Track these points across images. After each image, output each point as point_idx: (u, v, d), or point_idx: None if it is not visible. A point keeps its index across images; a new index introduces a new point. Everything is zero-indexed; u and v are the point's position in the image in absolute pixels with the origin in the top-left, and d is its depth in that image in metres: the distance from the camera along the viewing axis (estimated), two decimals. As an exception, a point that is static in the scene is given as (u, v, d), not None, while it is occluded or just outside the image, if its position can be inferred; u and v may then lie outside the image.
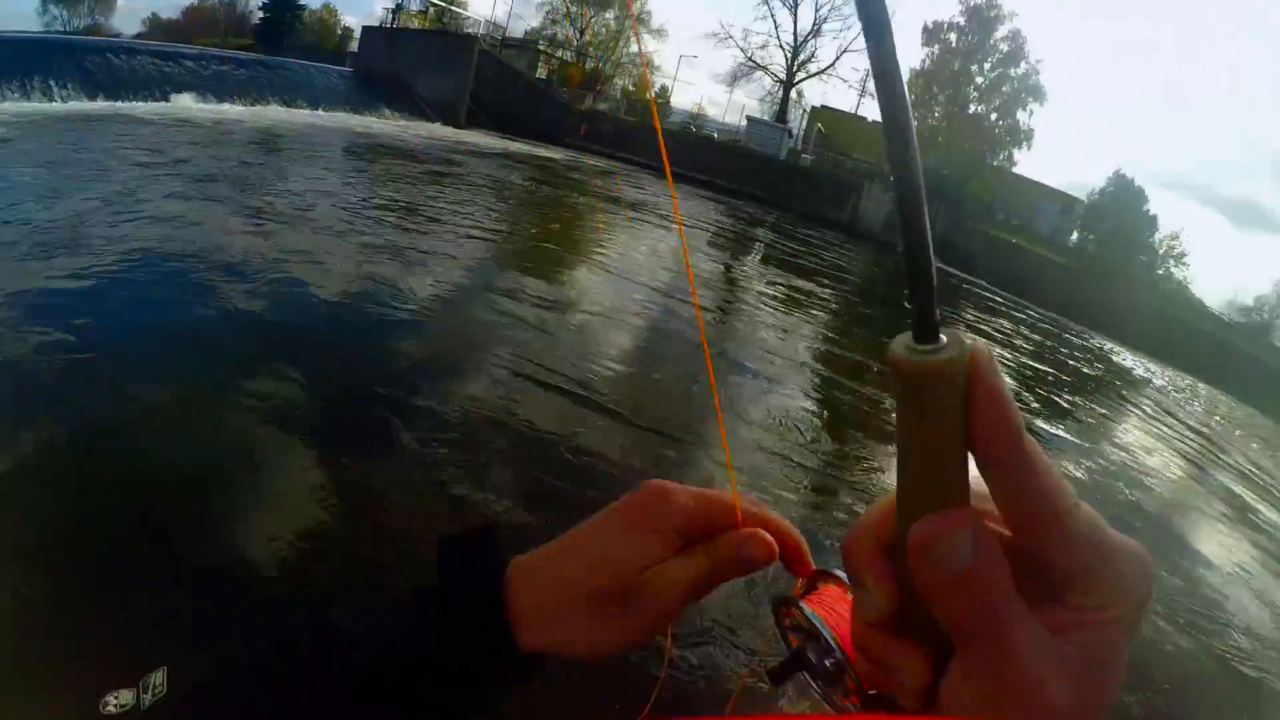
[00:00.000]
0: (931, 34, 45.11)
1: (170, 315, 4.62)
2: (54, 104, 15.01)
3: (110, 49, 19.46)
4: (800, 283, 10.97)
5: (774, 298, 9.41)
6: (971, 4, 43.58)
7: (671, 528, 0.44)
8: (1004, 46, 43.41)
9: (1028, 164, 48.26)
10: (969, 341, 0.29)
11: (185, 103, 17.85)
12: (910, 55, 57.34)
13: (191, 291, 4.96)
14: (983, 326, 13.73)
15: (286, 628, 0.45)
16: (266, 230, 6.91)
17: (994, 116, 43.53)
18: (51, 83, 15.44)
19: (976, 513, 0.29)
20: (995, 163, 42.25)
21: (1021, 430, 0.28)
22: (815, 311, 9.61)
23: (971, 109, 43.76)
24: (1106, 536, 0.27)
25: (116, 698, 0.43)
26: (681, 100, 52.07)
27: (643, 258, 10.09)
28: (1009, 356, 11.21)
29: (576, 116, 34.86)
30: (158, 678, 0.43)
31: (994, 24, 43.43)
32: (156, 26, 68.64)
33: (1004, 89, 43.14)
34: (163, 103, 17.27)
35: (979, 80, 43.67)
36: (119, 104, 16.10)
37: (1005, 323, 15.80)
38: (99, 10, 69.87)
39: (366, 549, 2.94)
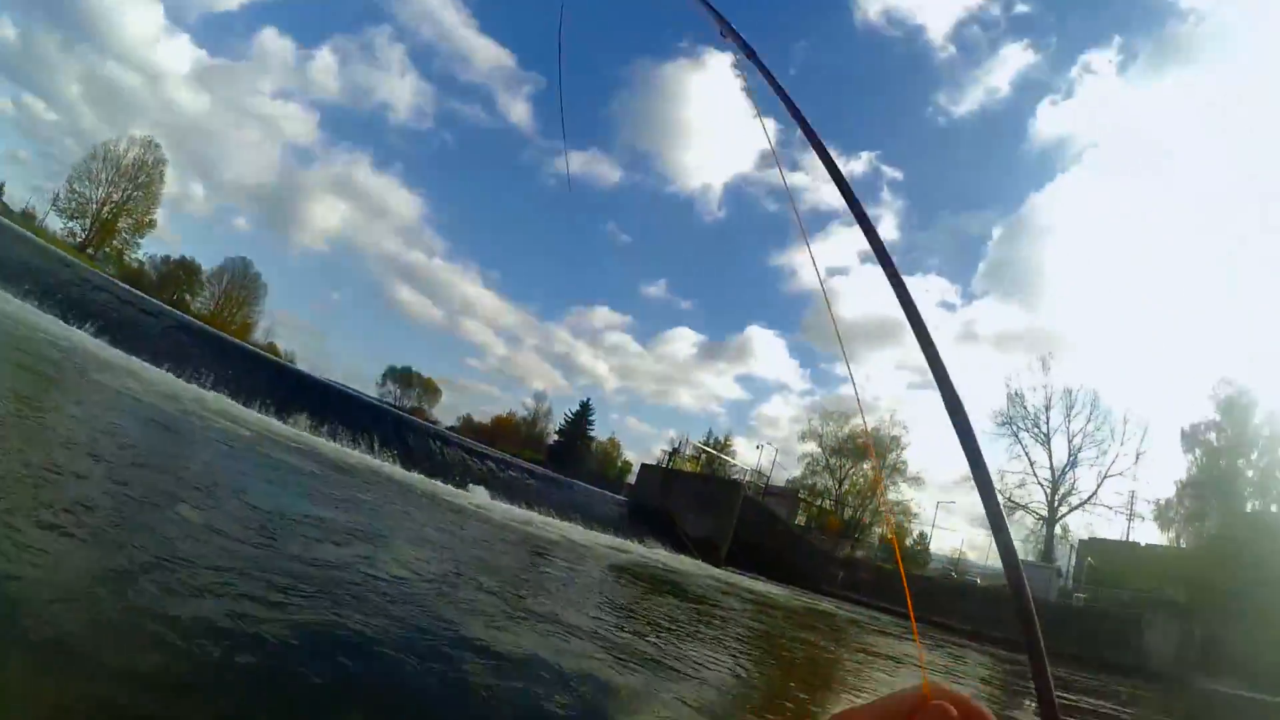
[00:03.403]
0: (1191, 439, 41.05)
1: (386, 665, 4.36)
2: (374, 459, 17.40)
3: (430, 433, 23.29)
4: None
5: None
6: (1222, 397, 40.13)
7: None
8: (1266, 431, 38.33)
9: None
10: None
11: (480, 495, 19.51)
12: (1174, 468, 51.15)
13: (432, 659, 4.79)
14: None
15: None
16: (518, 623, 6.81)
17: (1274, 508, 36.95)
18: (376, 441, 18.19)
19: None
20: None
21: None
22: None
23: (1248, 507, 37.52)
24: None
25: None
26: (941, 546, 49.40)
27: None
28: None
29: (835, 564, 34.52)
30: None
31: (1250, 411, 38.97)
32: (468, 425, 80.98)
33: (1278, 474, 37.34)
34: (461, 490, 19.02)
35: (1250, 474, 38.21)
36: (423, 478, 17.95)
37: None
38: (426, 399, 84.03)
39: None
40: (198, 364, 15.71)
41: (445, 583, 7.37)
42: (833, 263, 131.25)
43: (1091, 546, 40.01)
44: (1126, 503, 40.40)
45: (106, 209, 51.92)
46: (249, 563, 5.04)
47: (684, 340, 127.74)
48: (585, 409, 70.52)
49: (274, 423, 15.53)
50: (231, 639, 3.64)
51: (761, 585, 24.83)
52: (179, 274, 61.99)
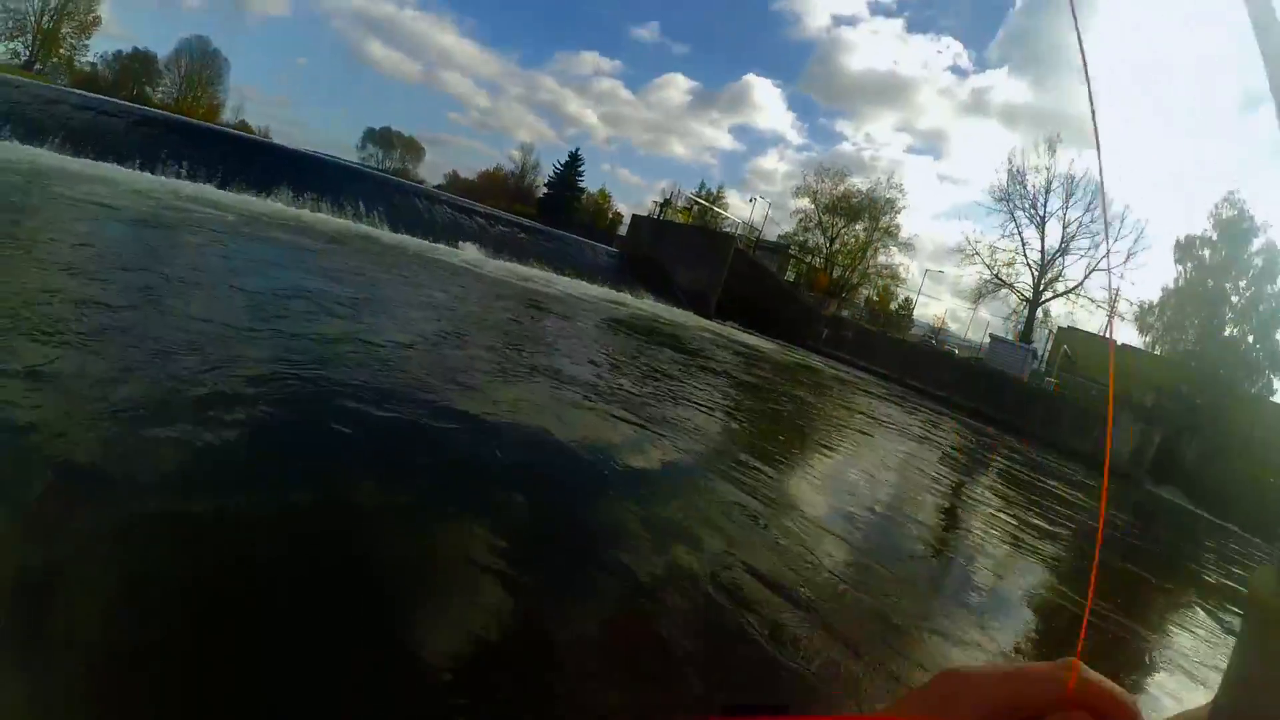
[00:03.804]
0: (1185, 250, 41.74)
1: (395, 427, 4.57)
2: (361, 225, 17.72)
3: (416, 193, 23.28)
4: (1027, 517, 9.39)
5: (998, 537, 7.86)
6: (1223, 217, 40.20)
7: (974, 717, 0.36)
8: (1259, 261, 38.94)
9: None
10: None
11: (471, 251, 19.96)
12: (1162, 274, 52.86)
13: (427, 406, 5.05)
14: (1227, 582, 10.60)
15: None
16: (514, 376, 7.08)
17: (1250, 339, 38.50)
18: (362, 206, 18.35)
19: None
20: (1254, 390, 36.18)
21: None
22: (1032, 549, 8.01)
23: (1227, 331, 39.26)
24: None
25: None
26: (924, 314, 51.24)
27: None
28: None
29: (820, 321, 35.25)
30: None
31: (1248, 237, 39.36)
32: (455, 182, 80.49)
33: (1260, 308, 38.32)
34: (451, 247, 19.53)
35: (1234, 299, 39.38)
36: (413, 239, 18.45)
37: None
38: (409, 158, 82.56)
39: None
40: (168, 155, 15.56)
41: (444, 344, 7.53)
42: (840, 10, 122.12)
43: (1069, 335, 40.47)
44: (1110, 299, 40.62)
45: (46, 18, 48.25)
46: (247, 347, 5.00)
47: (677, 87, 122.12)
48: (574, 160, 68.86)
49: (255, 201, 15.70)
50: (237, 434, 3.67)
51: (753, 339, 25.77)
52: (135, 67, 58.76)
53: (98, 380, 3.82)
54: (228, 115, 63.67)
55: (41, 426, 3.19)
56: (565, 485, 4.68)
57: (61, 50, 50.70)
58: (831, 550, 4.99)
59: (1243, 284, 39.17)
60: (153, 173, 14.85)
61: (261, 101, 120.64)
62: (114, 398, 3.68)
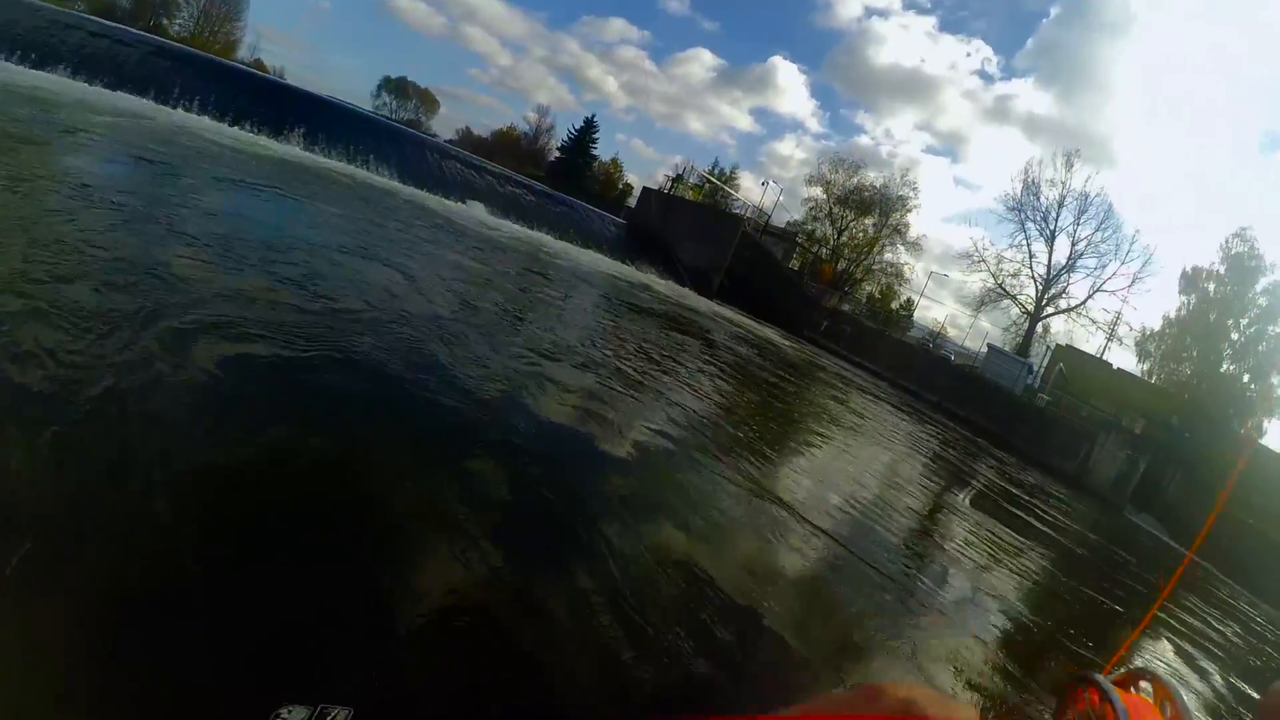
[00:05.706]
0: (1190, 281, 41.91)
1: (394, 386, 4.55)
2: (371, 174, 17.61)
3: (428, 146, 22.32)
4: (1004, 533, 9.56)
5: (975, 546, 7.98)
6: (1232, 252, 40.36)
7: None
8: (1263, 300, 38.94)
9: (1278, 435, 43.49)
10: None
11: (478, 210, 19.88)
12: (1167, 302, 53.15)
13: (419, 367, 5.01)
14: (1208, 630, 10.67)
15: None
16: (511, 339, 7.16)
17: (1245, 378, 38.63)
18: (372, 157, 18.26)
19: None
20: (1243, 431, 36.19)
21: None
22: (1011, 572, 8.11)
23: (1224, 368, 39.35)
24: None
25: (289, 713, 0.36)
26: (924, 316, 51.05)
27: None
28: (1212, 661, 8.37)
29: (821, 312, 35.20)
30: (341, 715, 0.36)
31: (1255, 275, 39.37)
32: (467, 139, 79.71)
33: (1260, 348, 38.40)
34: (459, 204, 19.41)
35: (1234, 336, 39.41)
36: (421, 193, 18.35)
37: (1223, 622, 12.22)
38: (423, 110, 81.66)
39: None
40: (182, 89, 15.46)
41: (449, 304, 7.41)
42: (873, 2, 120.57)
43: (1066, 354, 40.30)
44: (1110, 322, 40.75)
45: (67, -59, 47.65)
46: (254, 301, 4.84)
47: (701, 63, 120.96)
48: (589, 126, 68.40)
49: (265, 142, 15.61)
50: (242, 386, 3.67)
51: (760, 327, 25.65)
52: (153, -2, 58.05)
53: (93, 321, 3.70)
54: (243, 52, 63.12)
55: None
56: (566, 462, 4.60)
57: (81, -25, 50.07)
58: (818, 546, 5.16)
59: (1244, 321, 39.23)
60: (165, 105, 14.80)
61: (279, 41, 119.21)
62: (102, 343, 3.51)
